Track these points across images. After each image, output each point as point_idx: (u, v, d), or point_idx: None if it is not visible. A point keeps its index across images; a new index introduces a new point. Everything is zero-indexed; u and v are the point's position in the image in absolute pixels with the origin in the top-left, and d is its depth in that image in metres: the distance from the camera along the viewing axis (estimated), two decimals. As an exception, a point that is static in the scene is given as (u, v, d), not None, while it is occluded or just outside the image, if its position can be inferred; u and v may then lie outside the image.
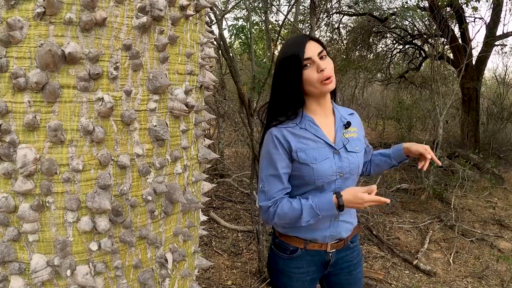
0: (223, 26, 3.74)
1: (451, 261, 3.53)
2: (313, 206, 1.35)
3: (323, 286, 1.63)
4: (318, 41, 1.42)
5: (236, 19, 3.82)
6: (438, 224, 4.31)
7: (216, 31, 3.11)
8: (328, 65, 1.37)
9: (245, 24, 3.39)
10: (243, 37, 3.34)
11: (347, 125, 1.46)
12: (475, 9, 5.68)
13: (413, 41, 8.80)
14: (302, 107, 1.46)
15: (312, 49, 1.36)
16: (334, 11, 7.99)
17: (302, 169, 1.38)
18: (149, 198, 0.96)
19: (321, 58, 1.36)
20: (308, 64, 1.35)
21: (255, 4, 5.29)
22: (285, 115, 1.44)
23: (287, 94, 1.41)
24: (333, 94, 1.57)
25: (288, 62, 1.37)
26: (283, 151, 1.39)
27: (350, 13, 8.40)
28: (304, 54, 1.34)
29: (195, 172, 1.12)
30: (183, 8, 0.98)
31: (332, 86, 1.36)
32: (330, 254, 1.49)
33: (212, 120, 6.26)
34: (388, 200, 1.31)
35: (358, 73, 9.34)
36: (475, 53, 7.57)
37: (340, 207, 1.34)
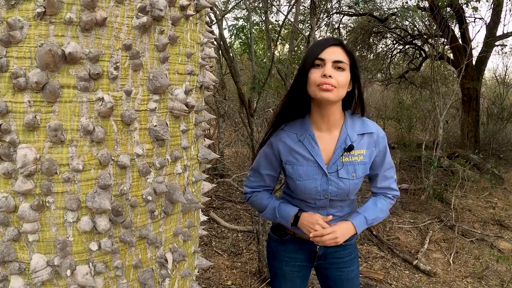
0: (223, 26, 3.75)
1: (451, 261, 3.53)
2: (276, 209, 1.46)
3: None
4: (348, 51, 1.31)
5: (236, 19, 3.82)
6: (438, 224, 4.31)
7: (216, 31, 3.11)
8: (338, 77, 1.26)
9: (245, 24, 3.39)
10: (243, 37, 3.34)
11: (348, 149, 1.35)
12: (475, 9, 5.68)
13: (413, 41, 8.80)
14: (309, 116, 1.40)
15: (330, 53, 1.28)
16: (334, 11, 7.99)
17: (289, 180, 1.44)
18: (149, 198, 0.96)
19: (336, 67, 1.27)
20: (319, 65, 1.29)
21: (255, 4, 5.29)
22: (290, 118, 1.42)
23: (293, 92, 1.37)
24: (361, 109, 1.42)
25: (304, 58, 1.35)
26: (274, 158, 1.45)
27: (350, 13, 8.40)
28: (320, 54, 1.28)
29: (195, 172, 1.12)
30: (183, 8, 0.98)
31: (328, 95, 1.25)
32: (318, 246, 1.51)
33: (212, 120, 6.26)
34: (322, 243, 1.35)
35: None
36: (475, 53, 7.58)
37: (294, 223, 1.42)
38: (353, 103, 1.42)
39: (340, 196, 1.40)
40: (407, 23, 8.24)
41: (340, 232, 1.36)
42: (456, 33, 7.01)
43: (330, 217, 1.39)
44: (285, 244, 1.55)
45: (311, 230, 1.36)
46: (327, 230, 1.34)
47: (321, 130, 1.38)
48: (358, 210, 1.45)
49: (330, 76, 1.25)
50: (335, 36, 8.57)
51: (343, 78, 1.28)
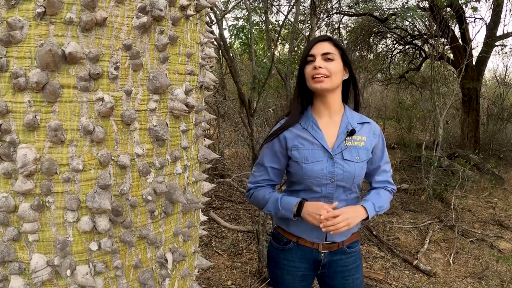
0: (223, 26, 3.75)
1: (451, 262, 3.53)
2: (278, 201, 1.44)
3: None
4: (335, 43, 1.44)
5: (236, 19, 3.83)
6: (438, 225, 4.31)
7: (216, 31, 3.11)
8: (328, 66, 1.39)
9: (245, 24, 3.39)
10: (243, 37, 3.35)
11: (351, 133, 1.43)
12: (475, 9, 5.68)
13: (413, 42, 8.80)
14: (311, 107, 1.50)
15: (319, 48, 1.41)
16: (334, 11, 7.99)
17: (294, 167, 1.44)
18: (149, 198, 0.96)
19: (326, 59, 1.40)
20: (310, 61, 1.42)
21: (255, 4, 5.29)
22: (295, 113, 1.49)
23: (296, 89, 1.50)
24: (356, 103, 1.55)
25: (300, 59, 1.49)
26: (279, 147, 1.47)
27: (350, 13, 8.40)
28: (310, 51, 1.42)
29: (195, 172, 1.12)
30: (183, 8, 0.98)
31: (321, 85, 1.38)
32: (322, 254, 1.49)
33: (212, 120, 6.26)
34: (336, 231, 1.29)
35: (358, 73, 9.33)
36: (475, 53, 7.58)
37: (297, 213, 1.39)
38: (349, 93, 1.55)
39: (346, 180, 1.40)
40: (407, 23, 8.24)
41: (350, 214, 1.33)
42: (456, 33, 7.01)
43: (336, 203, 1.35)
44: (287, 252, 1.51)
45: (316, 216, 1.32)
46: (336, 212, 1.30)
47: (323, 117, 1.47)
48: (364, 198, 1.46)
49: (320, 67, 1.38)
50: (335, 36, 8.58)
51: (333, 66, 1.40)
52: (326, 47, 1.41)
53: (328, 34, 8.50)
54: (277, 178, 1.54)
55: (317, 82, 1.38)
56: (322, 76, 1.38)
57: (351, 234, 1.50)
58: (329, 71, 1.38)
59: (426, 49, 8.38)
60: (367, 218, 1.39)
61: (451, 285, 3.16)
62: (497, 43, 7.35)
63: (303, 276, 1.53)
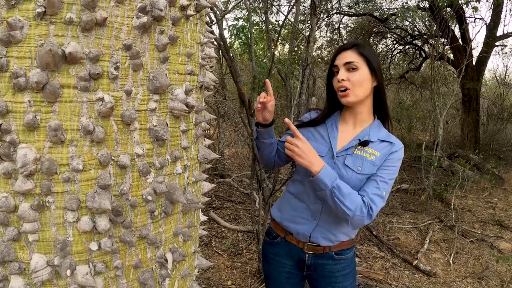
0: (224, 26, 3.75)
1: (451, 262, 3.53)
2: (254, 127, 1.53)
3: None
4: (359, 51, 1.37)
5: (237, 19, 3.83)
6: (438, 225, 4.31)
7: (217, 31, 3.10)
8: (352, 77, 1.35)
9: (246, 24, 3.39)
10: (244, 37, 3.35)
11: (363, 143, 1.38)
12: (475, 9, 5.68)
13: (413, 42, 8.81)
14: (340, 112, 1.52)
15: (342, 58, 1.38)
16: (335, 11, 8.00)
17: None
18: (149, 198, 0.96)
19: (348, 69, 1.36)
20: (336, 72, 1.41)
21: (256, 4, 5.29)
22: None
23: (326, 94, 1.52)
24: (386, 120, 1.47)
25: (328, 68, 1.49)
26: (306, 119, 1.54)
27: (350, 13, 8.40)
28: (334, 62, 1.41)
29: (195, 172, 1.12)
30: (183, 8, 0.98)
31: (347, 99, 1.37)
32: (307, 255, 1.49)
33: (212, 120, 6.26)
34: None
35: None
36: (475, 53, 7.58)
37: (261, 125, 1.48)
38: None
39: None
40: (407, 23, 8.24)
41: (308, 152, 1.27)
42: (456, 33, 7.01)
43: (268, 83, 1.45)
44: (275, 247, 1.56)
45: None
46: (300, 139, 1.28)
47: (347, 125, 1.48)
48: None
49: (343, 79, 1.36)
50: (335, 36, 8.58)
51: (355, 77, 1.35)
52: (349, 56, 1.36)
53: (328, 34, 8.51)
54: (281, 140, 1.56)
55: (342, 97, 1.38)
56: (347, 89, 1.36)
57: (338, 242, 1.46)
58: (351, 83, 1.35)
59: (426, 49, 8.39)
60: (314, 176, 1.27)
61: (451, 285, 3.16)
62: (497, 43, 7.36)
63: (289, 274, 1.56)
